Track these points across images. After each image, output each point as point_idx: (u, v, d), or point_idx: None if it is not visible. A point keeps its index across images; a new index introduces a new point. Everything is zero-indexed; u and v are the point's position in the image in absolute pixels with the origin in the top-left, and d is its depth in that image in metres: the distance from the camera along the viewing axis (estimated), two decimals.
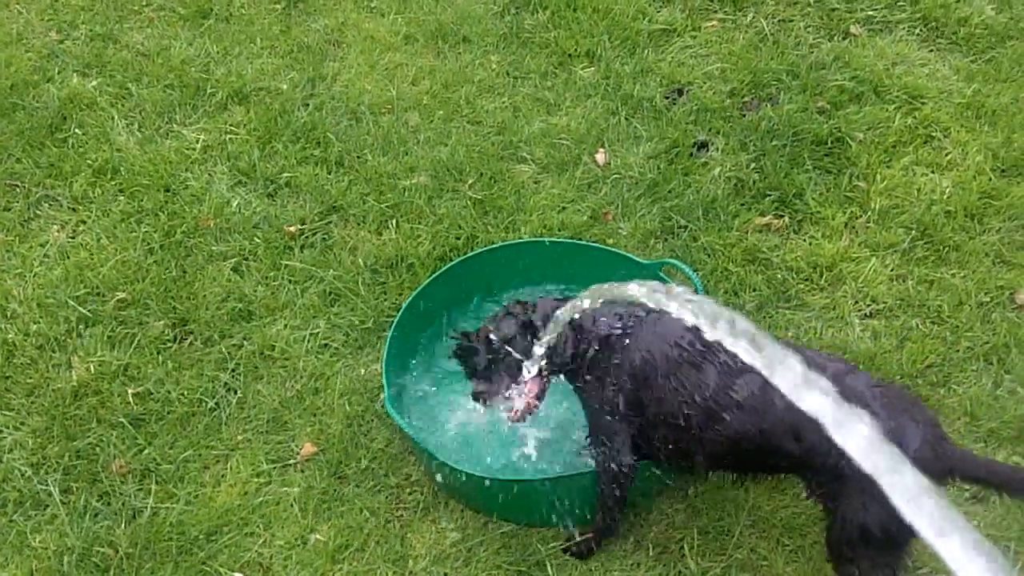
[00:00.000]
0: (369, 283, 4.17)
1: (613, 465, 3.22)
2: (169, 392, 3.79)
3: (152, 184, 4.52)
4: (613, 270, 3.98)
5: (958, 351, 3.95)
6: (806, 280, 4.20)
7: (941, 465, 2.79)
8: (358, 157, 4.69)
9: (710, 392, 3.01)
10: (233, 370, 3.87)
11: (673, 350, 3.08)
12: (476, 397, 3.35)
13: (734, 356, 2.91)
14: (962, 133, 4.79)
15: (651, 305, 3.11)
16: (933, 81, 5.07)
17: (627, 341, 3.17)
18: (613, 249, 4.11)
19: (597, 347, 3.22)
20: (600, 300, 2.99)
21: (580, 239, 4.29)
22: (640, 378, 3.13)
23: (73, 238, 4.33)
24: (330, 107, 4.94)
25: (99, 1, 5.50)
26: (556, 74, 5.15)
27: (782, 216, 4.45)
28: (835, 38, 5.34)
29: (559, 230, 4.35)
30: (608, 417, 3.22)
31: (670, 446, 3.18)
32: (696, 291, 3.71)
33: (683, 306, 2.20)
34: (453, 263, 4.02)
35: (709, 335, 2.08)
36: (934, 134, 4.80)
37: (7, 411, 3.74)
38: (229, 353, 3.92)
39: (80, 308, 4.02)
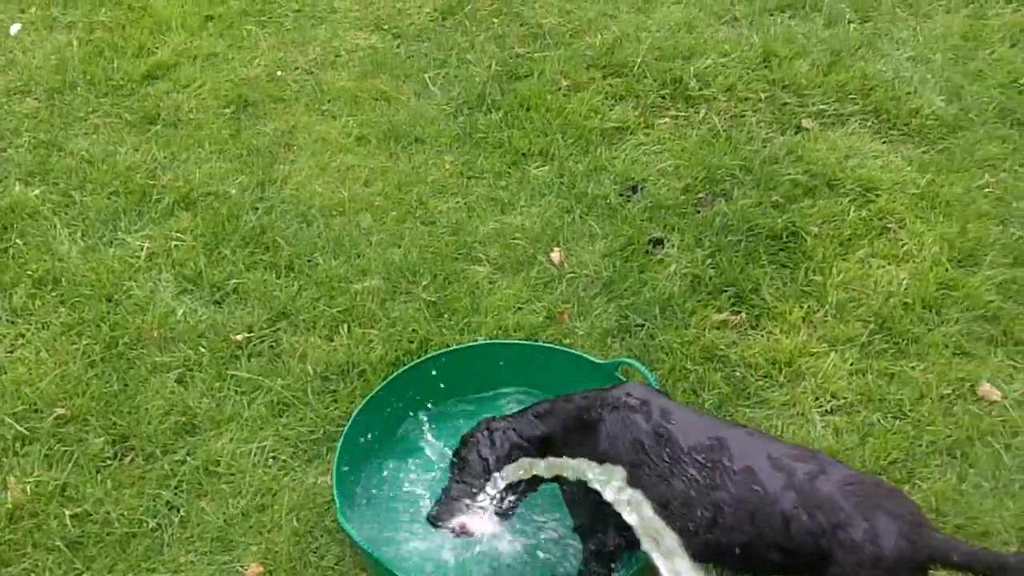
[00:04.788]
0: (319, 391, 4.08)
1: (603, 548, 3.20)
2: (108, 512, 3.66)
3: (94, 294, 4.43)
4: (570, 371, 3.93)
5: (921, 446, 3.90)
6: (765, 376, 4.16)
7: (922, 555, 2.76)
8: (308, 261, 4.63)
9: (680, 506, 2.97)
10: (176, 487, 3.75)
11: (642, 459, 3.04)
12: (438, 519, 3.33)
13: (702, 470, 2.92)
14: (917, 224, 4.81)
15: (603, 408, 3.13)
16: (887, 173, 5.10)
17: (593, 438, 3.13)
18: (569, 350, 4.06)
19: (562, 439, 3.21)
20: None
21: (536, 340, 4.24)
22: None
23: (11, 352, 4.22)
24: (280, 210, 4.89)
25: (44, 108, 5.47)
26: (510, 173, 5.15)
27: (739, 312, 4.42)
28: (787, 132, 5.38)
29: (515, 331, 4.30)
30: (585, 507, 3.20)
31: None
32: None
33: None
34: (406, 367, 3.94)
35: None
36: (889, 226, 4.81)
37: None
38: (172, 469, 3.80)
39: (17, 426, 3.90)
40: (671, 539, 2.71)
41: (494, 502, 3.30)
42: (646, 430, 3.05)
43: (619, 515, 3.11)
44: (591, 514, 3.21)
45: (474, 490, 3.29)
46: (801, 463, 2.93)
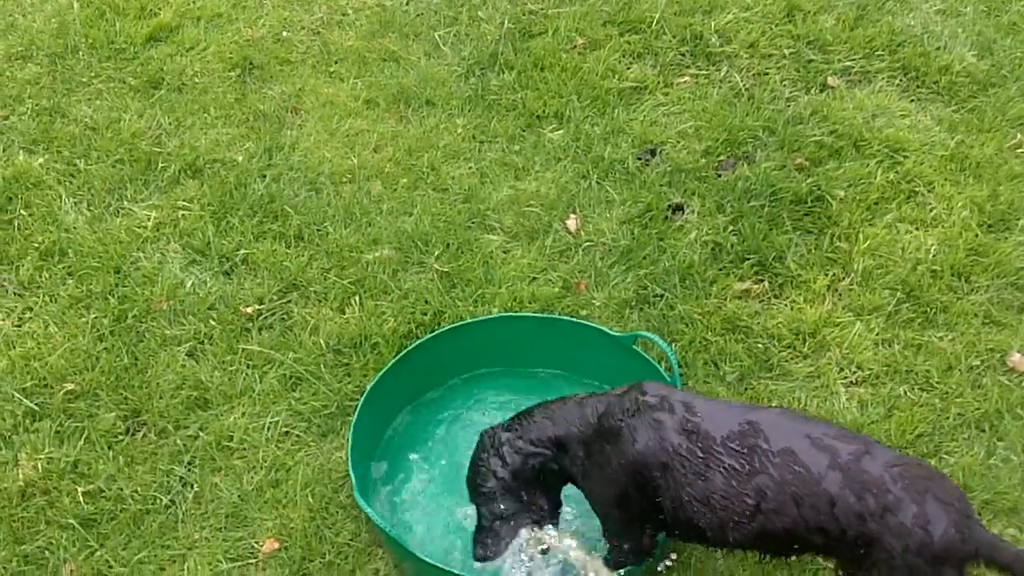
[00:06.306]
0: (332, 365, 4.20)
1: (634, 555, 3.29)
2: (121, 489, 3.80)
3: (102, 266, 4.56)
4: (586, 344, 4.05)
5: (948, 418, 4.00)
6: (789, 348, 4.26)
7: (968, 548, 2.83)
8: (318, 230, 4.74)
9: (721, 499, 3.03)
10: (189, 463, 3.89)
11: (674, 459, 3.09)
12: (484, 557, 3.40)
13: (740, 458, 2.99)
14: (946, 187, 4.88)
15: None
16: (915, 133, 5.16)
17: (619, 445, 3.18)
18: (585, 323, 4.17)
19: (582, 452, 3.28)
20: None
21: (552, 312, 4.35)
22: (642, 478, 3.15)
23: (19, 326, 4.35)
24: (288, 178, 4.99)
25: (46, 74, 5.56)
26: (524, 137, 5.23)
27: (762, 280, 4.51)
28: (812, 91, 5.44)
29: (530, 302, 4.40)
30: (618, 510, 3.25)
31: (693, 537, 3.22)
32: (671, 366, 3.76)
33: None
34: (420, 341, 4.05)
35: None
36: (917, 189, 4.88)
37: None
38: (184, 445, 3.94)
39: (27, 401, 4.04)
40: None
41: (529, 518, 3.38)
42: (673, 427, 3.10)
43: (653, 514, 3.21)
44: (627, 519, 3.26)
45: (504, 514, 3.36)
46: (844, 443, 2.98)
